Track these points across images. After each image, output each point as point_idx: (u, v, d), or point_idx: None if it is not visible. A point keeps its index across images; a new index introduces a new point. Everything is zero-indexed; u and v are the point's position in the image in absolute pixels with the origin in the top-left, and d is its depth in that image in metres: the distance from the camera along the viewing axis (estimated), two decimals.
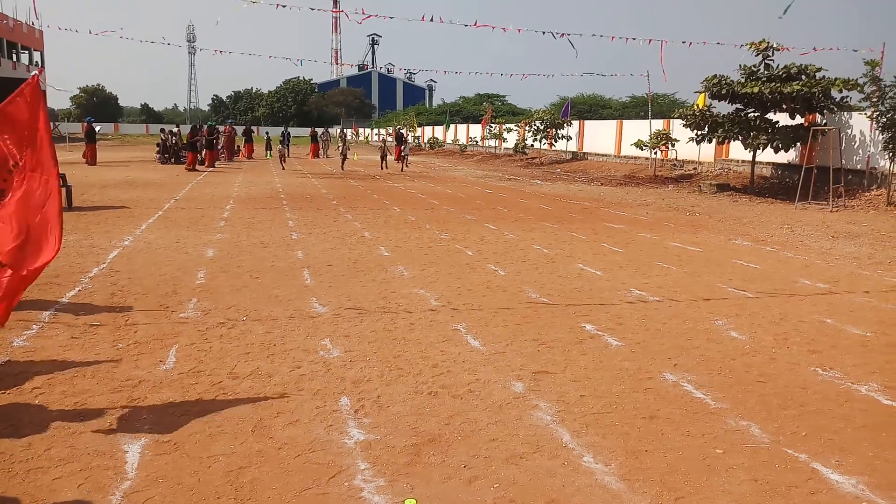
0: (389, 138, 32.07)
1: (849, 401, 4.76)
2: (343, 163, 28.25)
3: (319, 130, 42.89)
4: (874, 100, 16.45)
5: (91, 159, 27.55)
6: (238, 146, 37.14)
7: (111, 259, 8.88)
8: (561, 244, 10.94)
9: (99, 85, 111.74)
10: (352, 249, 9.97)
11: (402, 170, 28.07)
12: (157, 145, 30.93)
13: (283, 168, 26.62)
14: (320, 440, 3.96)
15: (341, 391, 4.68)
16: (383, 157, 29.03)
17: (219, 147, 33.66)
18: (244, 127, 44.32)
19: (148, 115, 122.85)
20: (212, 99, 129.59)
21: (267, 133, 43.05)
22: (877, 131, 17.07)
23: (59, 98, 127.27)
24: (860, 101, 17.63)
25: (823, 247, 11.21)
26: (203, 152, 27.98)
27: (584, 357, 5.54)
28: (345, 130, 52.22)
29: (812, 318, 6.87)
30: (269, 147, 39.46)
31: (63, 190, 13.62)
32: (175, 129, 31.34)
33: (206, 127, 29.37)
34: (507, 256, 9.80)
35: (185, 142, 28.53)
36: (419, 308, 6.89)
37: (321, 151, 40.25)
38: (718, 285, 8.20)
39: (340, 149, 28.12)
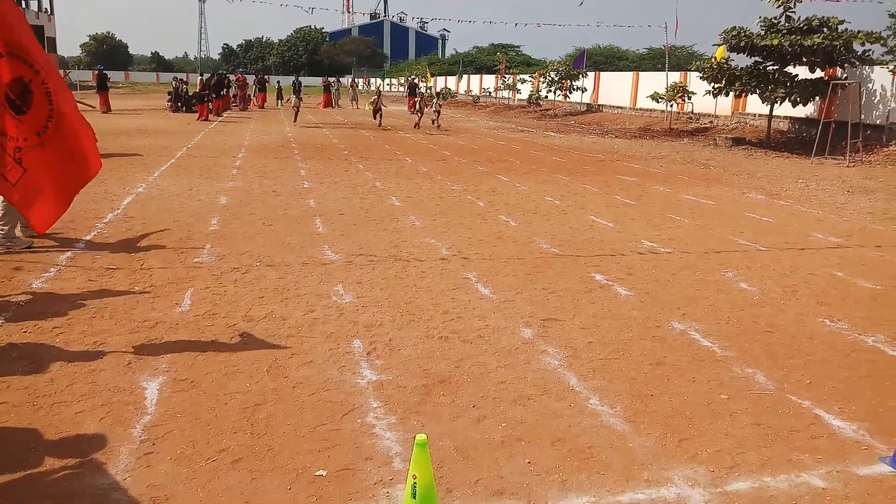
0: (422, 89, 26.50)
1: (855, 351, 4.81)
2: (378, 118, 24.44)
3: (331, 80, 42.45)
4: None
5: (105, 107, 27.53)
6: (250, 95, 36.88)
7: (125, 205, 8.96)
8: (573, 196, 10.91)
9: (109, 32, 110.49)
10: (363, 199, 10.00)
11: (437, 126, 24.43)
12: (169, 94, 30.80)
13: (296, 122, 24.77)
14: (334, 380, 4.06)
15: (354, 334, 4.78)
16: (420, 111, 24.87)
17: (232, 96, 33.52)
18: (256, 76, 43.86)
19: (158, 63, 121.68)
20: (222, 47, 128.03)
21: (278, 82, 42.63)
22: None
23: (69, 46, 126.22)
24: (883, 55, 17.25)
25: (838, 201, 11.13)
26: (212, 102, 27.87)
27: (593, 306, 5.60)
28: (354, 80, 51.46)
29: (823, 271, 6.88)
30: (280, 96, 39.18)
31: None
32: (183, 78, 31.24)
33: (206, 77, 28.75)
34: (519, 208, 9.80)
35: (194, 92, 28.22)
36: (430, 257, 6.94)
37: (333, 101, 39.92)
38: (730, 238, 8.20)
39: (375, 102, 24.52)
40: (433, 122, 24.63)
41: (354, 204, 9.59)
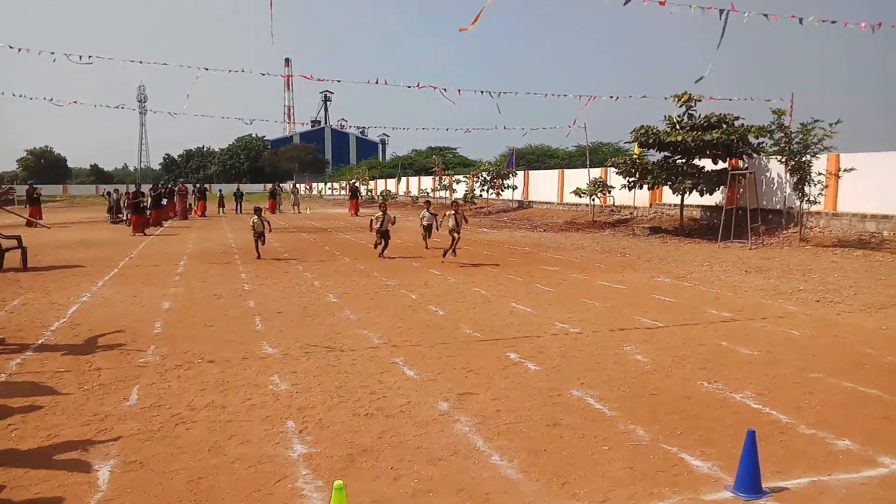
0: (428, 213, 17.50)
1: (724, 406, 5.61)
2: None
3: (283, 185, 43.57)
4: (782, 146, 17.97)
5: (37, 216, 27.79)
6: (190, 204, 37.49)
7: (71, 313, 9.37)
8: (498, 286, 11.77)
9: (47, 146, 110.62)
10: (301, 297, 10.64)
11: (454, 254, 15.16)
12: (109, 208, 31.18)
13: (259, 256, 15.73)
14: (268, 455, 4.60)
15: (287, 416, 5.34)
16: (427, 231, 17.58)
17: (171, 206, 34.07)
18: (196, 185, 44.62)
19: (97, 175, 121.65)
20: (164, 158, 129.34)
21: (220, 190, 43.49)
22: (787, 174, 18.59)
23: (5, 160, 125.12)
24: (770, 147, 19.20)
25: (736, 280, 12.30)
26: (150, 212, 28.11)
27: (505, 381, 6.30)
28: (296, 185, 52.69)
29: (711, 342, 7.78)
30: (221, 204, 39.93)
31: (19, 251, 14.02)
32: (119, 189, 31.77)
33: (134, 188, 27.84)
34: (448, 298, 10.57)
35: (127, 203, 27.10)
36: (362, 346, 7.58)
37: (276, 206, 40.86)
38: (634, 317, 9.10)
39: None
40: (446, 252, 15.32)
41: (293, 302, 10.21)
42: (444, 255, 15.19)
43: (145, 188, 30.98)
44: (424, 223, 17.63)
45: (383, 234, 16.29)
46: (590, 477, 4.25)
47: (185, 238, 22.36)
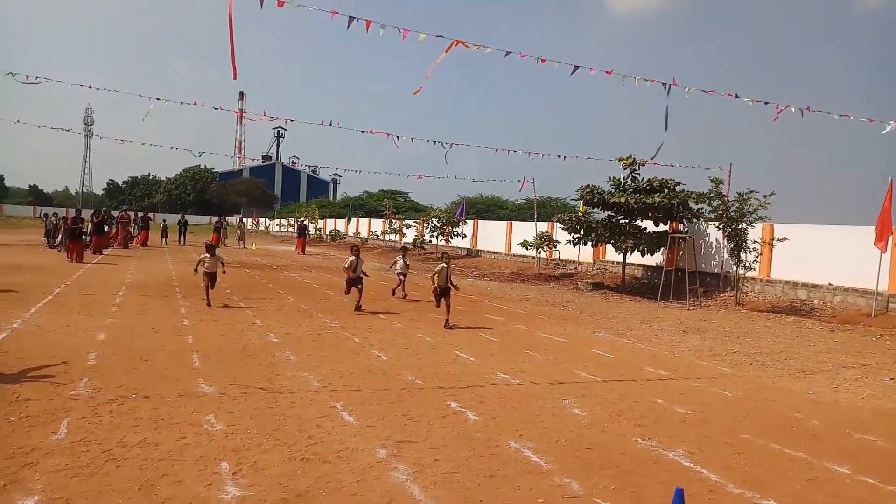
0: (402, 261, 17.35)
1: (657, 463, 5.75)
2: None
3: (230, 219, 42.91)
4: (720, 212, 18.76)
5: None
6: (132, 232, 36.58)
7: (0, 340, 9.03)
8: (443, 333, 11.83)
9: None
10: (242, 335, 10.49)
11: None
12: (46, 231, 30.21)
13: (210, 305, 13.47)
14: (200, 496, 4.51)
15: (222, 457, 5.25)
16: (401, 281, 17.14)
17: (112, 233, 33.21)
18: (139, 214, 43.57)
19: (37, 196, 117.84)
20: (107, 183, 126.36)
21: (164, 220, 42.62)
22: (724, 240, 19.36)
23: None
24: (709, 213, 20.00)
25: (673, 340, 12.66)
26: (90, 239, 27.31)
27: (444, 429, 6.33)
28: (243, 220, 51.89)
29: (647, 399, 7.98)
30: (165, 234, 39.11)
31: None
32: (58, 213, 30.67)
33: (74, 214, 25.56)
34: (392, 344, 10.57)
35: (64, 228, 25.50)
36: (301, 389, 7.51)
37: (222, 241, 40.21)
38: (574, 371, 9.27)
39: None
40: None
41: (233, 340, 10.05)
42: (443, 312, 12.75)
43: (86, 213, 30.06)
44: (398, 270, 16.74)
45: (355, 281, 14.43)
46: None
47: (124, 268, 21.79)
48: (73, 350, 8.73)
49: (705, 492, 5.17)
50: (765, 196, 18.08)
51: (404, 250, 17.39)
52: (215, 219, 42.41)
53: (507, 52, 15.94)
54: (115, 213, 36.41)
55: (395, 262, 16.89)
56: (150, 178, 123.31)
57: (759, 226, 19.23)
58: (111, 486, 4.55)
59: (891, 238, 15.98)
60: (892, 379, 9.88)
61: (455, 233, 36.42)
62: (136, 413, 6.22)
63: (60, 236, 27.24)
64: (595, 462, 5.66)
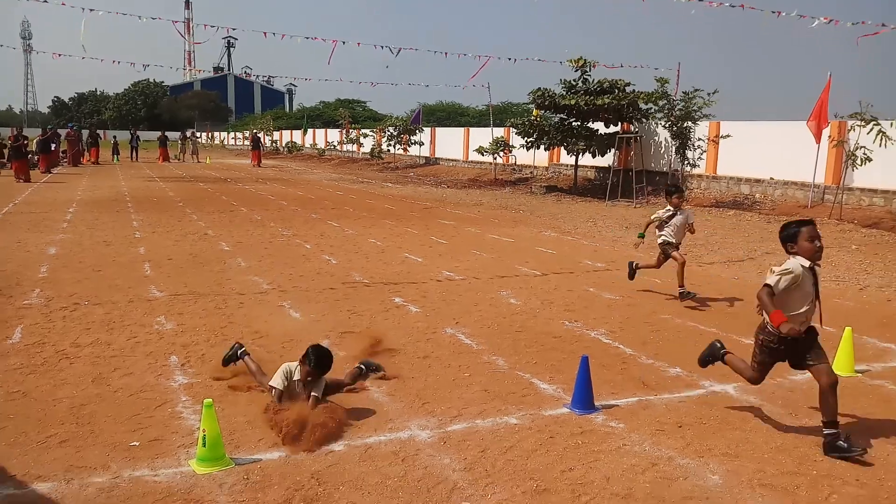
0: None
1: (578, 341, 6.26)
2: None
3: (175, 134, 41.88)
4: (665, 111, 19.08)
5: None
6: (82, 150, 35.66)
7: None
8: (394, 238, 12.17)
9: None
10: (193, 245, 10.69)
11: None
12: None
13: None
14: (150, 384, 4.87)
15: (171, 352, 5.59)
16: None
17: (62, 151, 32.38)
18: (89, 130, 42.19)
19: None
20: (53, 100, 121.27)
21: (115, 137, 41.50)
22: (671, 138, 19.78)
23: None
24: (656, 113, 20.31)
25: (615, 235, 13.21)
26: (36, 158, 26.63)
27: (386, 321, 6.75)
28: (194, 133, 49.59)
29: (580, 288, 8.49)
30: (116, 151, 38.23)
31: None
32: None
33: (16, 132, 24.52)
34: (343, 249, 10.89)
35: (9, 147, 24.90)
36: (251, 291, 7.83)
37: (181, 154, 39.50)
38: (516, 266, 9.73)
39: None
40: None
41: (184, 249, 10.26)
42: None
43: (30, 132, 29.11)
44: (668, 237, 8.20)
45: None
46: (448, 398, 4.77)
47: (75, 185, 21.49)
48: (25, 264, 8.88)
49: (619, 363, 5.69)
50: (709, 94, 18.41)
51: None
52: (160, 134, 40.53)
53: None
54: (61, 132, 35.31)
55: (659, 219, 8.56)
56: (98, 94, 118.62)
57: (704, 124, 19.64)
58: (65, 381, 4.88)
59: (826, 130, 16.54)
60: None
61: (413, 141, 36.27)
62: (89, 318, 6.49)
63: (8, 154, 26.45)
64: (522, 342, 6.15)
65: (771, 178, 18.80)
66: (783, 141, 18.44)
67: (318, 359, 4.41)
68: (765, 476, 3.76)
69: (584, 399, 4.63)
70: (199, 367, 5.27)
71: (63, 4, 22.66)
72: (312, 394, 4.36)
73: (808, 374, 5.42)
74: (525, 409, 4.62)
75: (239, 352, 4.94)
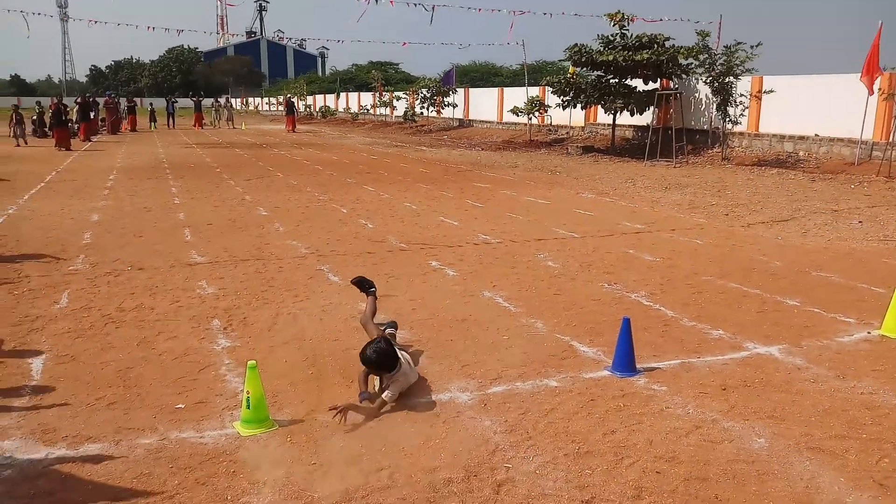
0: None
1: (618, 304, 6.19)
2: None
3: (209, 101, 42.18)
4: (707, 66, 18.50)
5: None
6: (120, 118, 36.15)
7: None
8: (429, 202, 12.13)
9: None
10: (232, 210, 10.80)
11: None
12: (33, 120, 29.86)
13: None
14: (194, 348, 4.96)
15: (213, 316, 5.67)
16: None
17: (100, 119, 32.87)
18: (126, 99, 42.70)
19: (19, 87, 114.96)
20: (90, 69, 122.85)
21: (151, 104, 41.94)
22: (712, 94, 19.23)
23: None
24: (696, 68, 19.72)
25: (655, 196, 12.96)
26: (77, 126, 27.08)
27: (423, 284, 6.75)
28: (218, 100, 48.94)
29: (619, 250, 8.37)
30: (153, 118, 38.69)
31: None
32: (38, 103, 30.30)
33: (58, 101, 25.17)
34: (379, 213, 10.89)
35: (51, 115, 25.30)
36: (289, 255, 7.89)
37: (206, 121, 39.81)
38: (553, 229, 9.63)
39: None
40: None
41: (223, 215, 10.37)
42: None
43: (70, 102, 29.54)
44: None
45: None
46: (487, 361, 4.76)
47: (114, 153, 21.83)
48: (69, 231, 9.07)
49: (660, 325, 5.61)
50: (752, 47, 17.79)
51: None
52: (195, 99, 40.48)
53: None
54: (99, 100, 35.80)
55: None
56: (134, 61, 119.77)
57: (746, 79, 19.03)
58: (112, 344, 4.99)
59: (877, 82, 15.89)
60: (860, 222, 10.25)
61: (446, 103, 35.92)
62: (132, 283, 6.62)
63: (49, 122, 26.91)
64: (560, 305, 6.10)
65: (816, 135, 18.20)
66: (828, 95, 17.79)
67: (374, 363, 4.12)
68: (812, 440, 3.69)
69: (625, 361, 4.58)
70: (241, 330, 5.34)
71: None
72: (381, 397, 4.02)
73: (855, 336, 5.30)
74: (565, 372, 4.59)
75: (371, 289, 5.27)
